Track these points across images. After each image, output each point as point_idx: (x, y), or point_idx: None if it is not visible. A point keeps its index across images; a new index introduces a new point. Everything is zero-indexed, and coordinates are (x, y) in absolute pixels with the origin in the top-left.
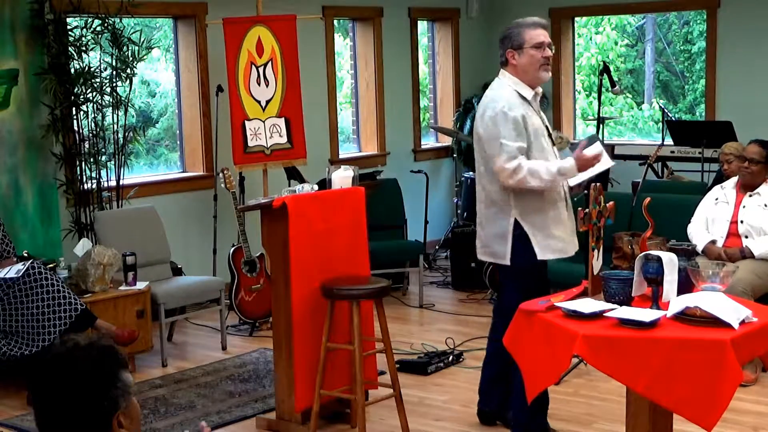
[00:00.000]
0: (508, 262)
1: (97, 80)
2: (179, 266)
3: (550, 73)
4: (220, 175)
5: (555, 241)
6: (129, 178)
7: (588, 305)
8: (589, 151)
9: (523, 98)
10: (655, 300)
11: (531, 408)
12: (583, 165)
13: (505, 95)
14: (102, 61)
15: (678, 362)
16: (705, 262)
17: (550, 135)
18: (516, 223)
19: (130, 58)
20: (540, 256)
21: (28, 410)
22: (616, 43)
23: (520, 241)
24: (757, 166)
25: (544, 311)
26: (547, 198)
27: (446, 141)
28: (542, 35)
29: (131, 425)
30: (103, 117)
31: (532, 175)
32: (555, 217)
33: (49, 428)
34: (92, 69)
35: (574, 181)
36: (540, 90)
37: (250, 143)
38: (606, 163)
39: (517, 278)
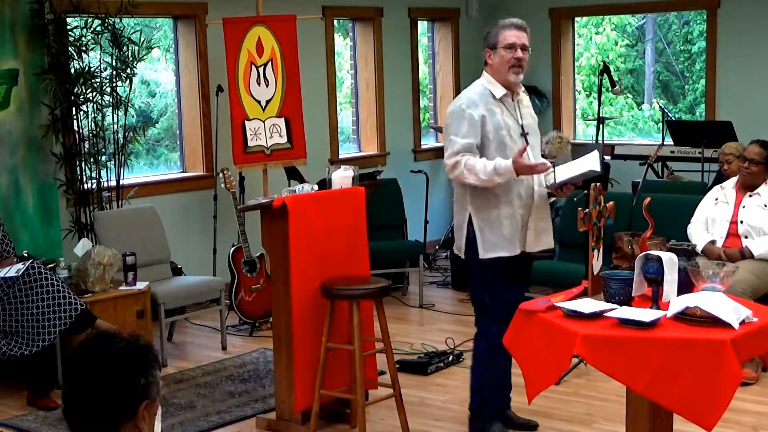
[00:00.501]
0: (464, 256)
1: (97, 80)
2: (179, 266)
3: (521, 76)
4: (220, 175)
5: (502, 239)
6: (129, 178)
7: (588, 305)
8: (578, 162)
9: (494, 97)
10: (655, 300)
11: (486, 396)
12: (521, 169)
13: (471, 94)
14: (102, 61)
15: (678, 362)
16: (705, 262)
17: (524, 134)
18: (470, 218)
19: (130, 58)
20: (482, 255)
21: (28, 410)
22: (616, 43)
23: (473, 236)
24: (757, 167)
25: (544, 311)
26: (501, 195)
27: None
28: (514, 36)
29: (149, 426)
30: (103, 117)
31: (469, 171)
32: (509, 215)
33: (77, 404)
34: (92, 69)
35: (561, 178)
36: (520, 90)
37: (250, 143)
38: (592, 165)
39: (474, 272)
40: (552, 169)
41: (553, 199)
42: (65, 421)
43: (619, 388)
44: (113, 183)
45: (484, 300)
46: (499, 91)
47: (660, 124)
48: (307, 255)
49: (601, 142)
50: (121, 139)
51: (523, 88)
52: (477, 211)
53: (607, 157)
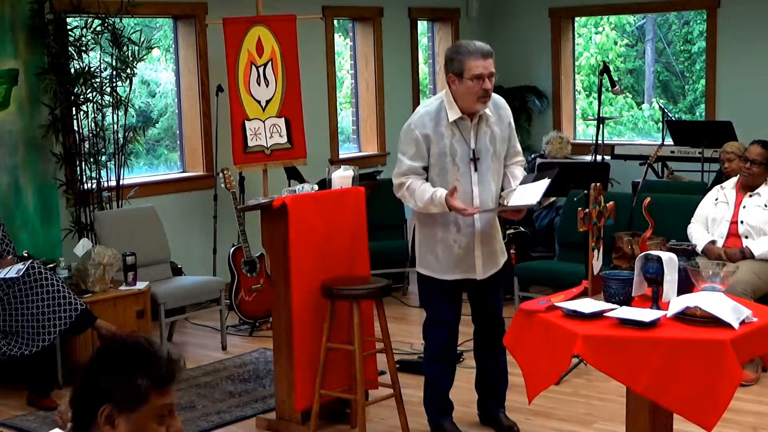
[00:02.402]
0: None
1: (97, 80)
2: (179, 266)
3: (488, 106)
4: (220, 175)
5: (434, 259)
6: (129, 178)
7: (588, 305)
8: (528, 188)
9: (448, 119)
10: (655, 300)
11: (430, 396)
12: (452, 208)
13: (424, 112)
14: (102, 61)
15: (678, 362)
16: (705, 262)
17: (474, 159)
18: (414, 228)
19: (130, 58)
20: (417, 266)
21: (28, 410)
22: (615, 43)
23: (415, 246)
24: (758, 168)
25: (544, 311)
26: (439, 218)
27: None
28: (481, 67)
29: None
30: (103, 117)
31: (411, 194)
32: (443, 239)
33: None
34: (92, 69)
35: (512, 202)
36: (482, 113)
37: (250, 143)
38: (529, 199)
39: (418, 281)
40: (504, 194)
41: (552, 199)
42: None
43: (619, 388)
44: (113, 183)
45: (428, 307)
46: (454, 114)
47: (660, 124)
48: (307, 255)
49: (601, 141)
50: (121, 139)
51: (489, 107)
52: (419, 225)
53: (608, 157)
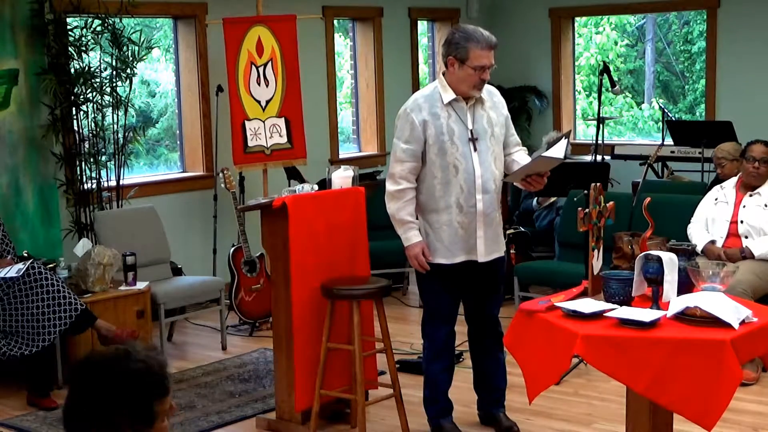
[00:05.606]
0: None
1: (97, 80)
2: (179, 266)
3: (481, 93)
4: (220, 175)
5: (441, 246)
6: (129, 178)
7: (588, 305)
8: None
9: (443, 101)
10: (655, 300)
11: (429, 397)
12: (409, 257)
13: (419, 96)
14: (102, 61)
15: (678, 362)
16: (705, 262)
17: (472, 139)
18: (418, 219)
19: (130, 58)
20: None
21: (28, 410)
22: (616, 43)
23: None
24: (765, 167)
25: (544, 311)
26: (441, 201)
27: None
28: (485, 58)
29: None
30: (103, 117)
31: (398, 199)
32: (447, 221)
33: (77, 417)
34: (92, 69)
35: (526, 168)
36: (477, 94)
37: (250, 143)
38: (554, 153)
39: (419, 273)
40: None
41: (552, 200)
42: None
43: (619, 388)
44: (113, 183)
45: (428, 303)
46: (448, 96)
47: (660, 124)
48: (307, 255)
49: (601, 142)
50: (121, 139)
51: (482, 92)
52: (422, 214)
53: (608, 157)
